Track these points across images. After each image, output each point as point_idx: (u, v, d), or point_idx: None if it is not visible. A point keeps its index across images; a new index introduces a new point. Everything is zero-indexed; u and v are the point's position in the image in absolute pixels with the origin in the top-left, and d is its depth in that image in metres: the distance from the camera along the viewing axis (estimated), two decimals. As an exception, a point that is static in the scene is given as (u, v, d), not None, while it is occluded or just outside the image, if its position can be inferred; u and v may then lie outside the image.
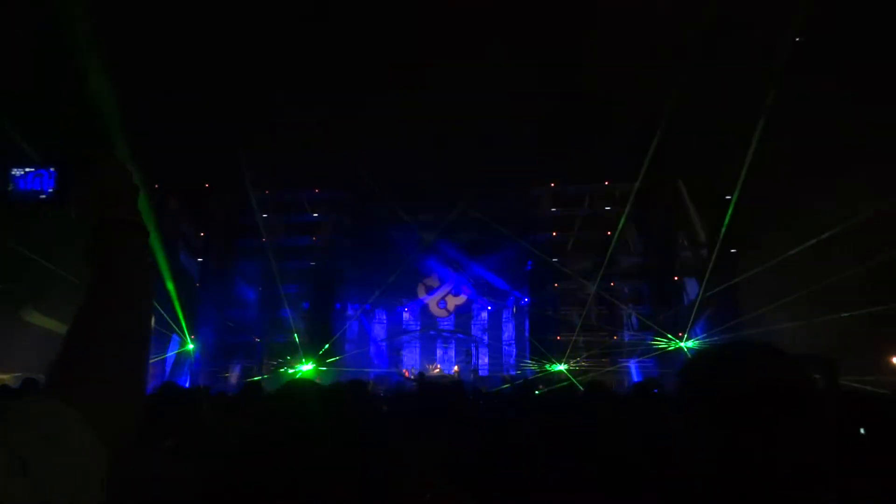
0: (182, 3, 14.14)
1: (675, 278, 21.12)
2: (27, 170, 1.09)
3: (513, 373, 22.00)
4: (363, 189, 21.02)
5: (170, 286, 17.96)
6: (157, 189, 19.88)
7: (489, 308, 24.00)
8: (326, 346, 20.76)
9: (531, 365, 21.16)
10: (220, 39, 14.56)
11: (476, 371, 21.88)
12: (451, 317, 23.86)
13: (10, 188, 1.08)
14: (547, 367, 20.35)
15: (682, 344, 19.37)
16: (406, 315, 24.12)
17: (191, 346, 19.84)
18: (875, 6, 13.08)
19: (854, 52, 13.49)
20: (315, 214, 22.62)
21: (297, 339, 21.43)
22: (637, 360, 20.91)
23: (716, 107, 15.64)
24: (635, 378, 20.12)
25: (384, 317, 24.06)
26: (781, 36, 13.95)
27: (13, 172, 1.09)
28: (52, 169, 1.08)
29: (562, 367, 20.19)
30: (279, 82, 16.13)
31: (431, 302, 23.79)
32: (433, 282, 23.76)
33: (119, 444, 0.80)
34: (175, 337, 19.52)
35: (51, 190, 1.08)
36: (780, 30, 13.98)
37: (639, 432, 2.45)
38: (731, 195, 19.10)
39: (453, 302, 23.78)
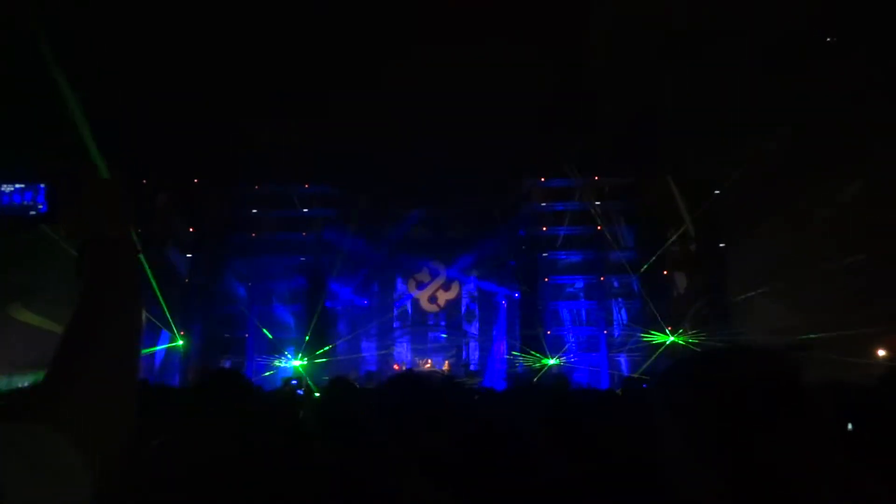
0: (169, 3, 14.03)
1: (665, 273, 21.22)
2: (17, 185, 1.08)
3: (504, 367, 22.06)
4: (353, 184, 21.01)
5: (154, 284, 17.83)
6: (147, 184, 19.75)
7: (480, 303, 24.02)
8: (316, 341, 20.73)
9: (522, 360, 21.23)
10: (209, 34, 14.46)
11: (467, 366, 21.92)
12: (442, 312, 23.86)
13: None
14: (537, 362, 20.43)
15: (671, 338, 19.48)
16: (396, 310, 24.10)
17: (180, 342, 19.75)
18: (865, 6, 13.16)
19: (841, 52, 13.59)
20: (305, 210, 22.54)
21: (287, 335, 21.41)
22: (627, 354, 21.02)
23: (705, 102, 15.72)
24: (625, 372, 20.25)
25: (374, 312, 24.01)
26: (770, 33, 14.03)
27: (2, 188, 1.08)
28: (41, 185, 1.08)
29: (552, 362, 20.27)
30: (269, 77, 16.05)
31: (422, 297, 23.77)
32: (424, 276, 23.74)
33: (107, 466, 0.79)
34: (164, 332, 19.42)
35: (41, 206, 1.07)
36: (769, 26, 14.05)
37: (630, 430, 2.46)
38: (720, 190, 19.21)
39: (444, 297, 23.77)
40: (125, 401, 0.88)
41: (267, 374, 19.92)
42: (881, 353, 15.60)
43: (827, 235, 14.33)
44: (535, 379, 17.26)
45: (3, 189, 1.08)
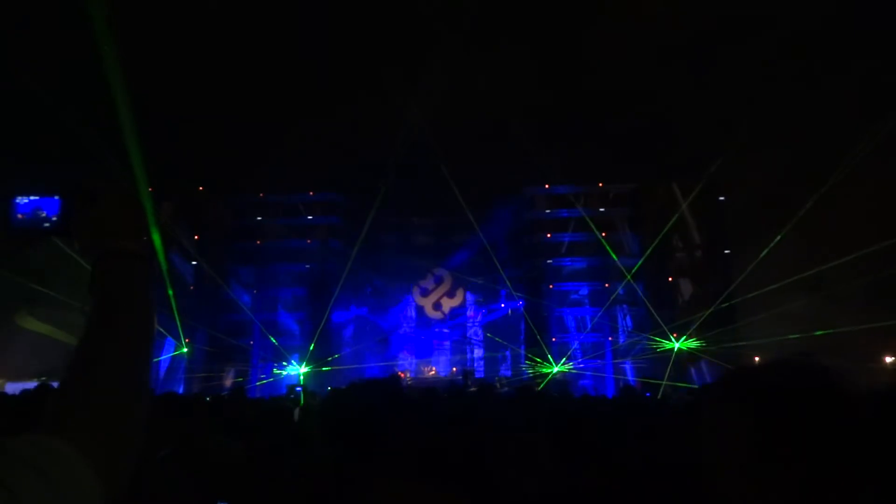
0: (176, 15, 14.12)
1: (670, 279, 21.17)
2: (31, 198, 1.08)
3: (508, 374, 22.01)
4: (357, 192, 21.06)
5: (170, 292, 17.89)
6: (152, 193, 19.80)
7: (484, 310, 24.01)
8: (321, 348, 20.72)
9: (527, 367, 21.19)
10: (214, 47, 14.55)
11: (472, 373, 21.87)
12: (446, 319, 23.84)
13: (13, 216, 1.08)
14: (542, 368, 20.38)
15: (676, 345, 19.41)
16: (401, 317, 24.09)
17: (185, 350, 19.76)
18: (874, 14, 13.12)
19: (849, 57, 13.57)
20: (309, 217, 22.59)
21: (291, 342, 21.41)
22: (632, 360, 20.96)
23: (710, 109, 15.71)
24: (630, 379, 20.19)
25: (379, 319, 24.04)
26: (777, 39, 14.02)
27: (17, 200, 1.09)
28: (56, 198, 1.08)
29: (558, 369, 20.21)
30: (275, 86, 16.12)
31: (426, 304, 23.76)
32: (428, 284, 23.74)
33: (117, 480, 0.80)
34: (169, 340, 19.45)
35: (54, 219, 1.07)
36: (776, 33, 14.05)
37: (636, 438, 2.46)
38: (725, 196, 19.18)
39: (448, 304, 23.76)
40: (136, 413, 0.89)
41: (264, 382, 19.88)
42: (889, 360, 15.52)
43: (832, 242, 14.28)
44: (541, 386, 17.22)
45: (17, 201, 1.09)
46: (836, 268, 14.13)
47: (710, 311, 19.53)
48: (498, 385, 19.20)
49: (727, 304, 19.06)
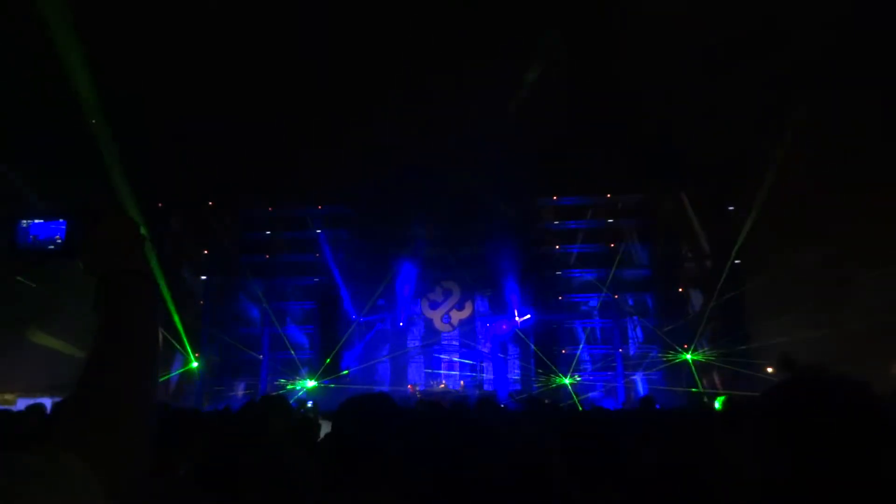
0: (188, 28, 14.27)
1: (680, 290, 21.06)
2: (36, 221, 1.11)
3: (518, 387, 21.90)
4: (366, 205, 21.13)
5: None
6: (161, 207, 19.97)
7: (493, 322, 23.93)
8: (330, 362, 20.72)
9: (537, 379, 21.09)
10: (222, 60, 14.68)
11: (481, 386, 21.78)
12: (456, 331, 23.77)
13: (19, 238, 1.10)
14: (552, 381, 20.28)
15: (687, 356, 19.29)
16: (409, 330, 24.04)
17: (194, 365, 19.79)
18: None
19: (863, 66, 13.54)
20: (318, 231, 22.66)
21: (300, 356, 21.42)
22: (643, 372, 20.82)
23: (720, 119, 15.70)
24: (641, 391, 20.05)
25: (388, 332, 24.01)
26: (785, 49, 14.02)
27: (23, 223, 1.11)
28: (61, 220, 1.10)
29: (567, 381, 20.12)
30: (284, 100, 16.23)
31: (435, 316, 23.71)
32: (437, 296, 23.71)
33: (123, 491, 0.82)
34: (179, 355, 19.49)
35: (60, 241, 1.09)
36: (783, 43, 14.04)
37: (651, 453, 2.44)
38: (735, 206, 19.10)
39: (457, 316, 23.70)
40: (142, 426, 0.91)
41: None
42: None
43: (845, 252, 14.18)
44: (553, 399, 17.12)
45: (22, 224, 1.11)
46: (844, 274, 14.04)
47: (719, 320, 19.42)
48: (512, 398, 19.12)
49: (737, 313, 18.95)
